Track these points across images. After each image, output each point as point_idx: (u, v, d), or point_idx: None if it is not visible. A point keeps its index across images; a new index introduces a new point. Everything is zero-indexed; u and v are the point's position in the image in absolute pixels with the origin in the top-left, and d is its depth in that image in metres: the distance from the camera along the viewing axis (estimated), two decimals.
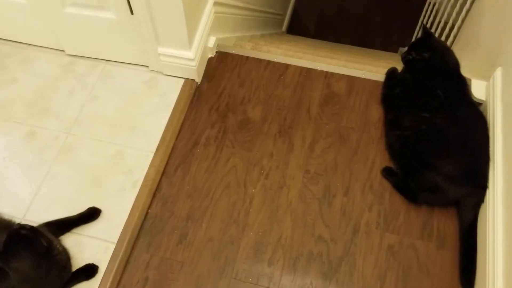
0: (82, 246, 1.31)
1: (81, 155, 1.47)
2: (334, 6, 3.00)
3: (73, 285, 1.25)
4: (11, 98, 1.58)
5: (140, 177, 1.42)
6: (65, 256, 1.22)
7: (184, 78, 1.61)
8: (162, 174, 1.44)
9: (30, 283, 1.12)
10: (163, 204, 1.40)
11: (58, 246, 1.18)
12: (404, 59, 1.45)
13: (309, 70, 1.62)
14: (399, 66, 1.55)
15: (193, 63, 1.53)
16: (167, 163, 1.46)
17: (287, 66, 1.64)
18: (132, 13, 1.41)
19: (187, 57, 1.52)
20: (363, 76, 1.59)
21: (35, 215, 1.35)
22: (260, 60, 1.66)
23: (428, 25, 2.29)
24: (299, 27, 3.00)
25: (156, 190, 1.42)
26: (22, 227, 1.10)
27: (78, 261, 1.28)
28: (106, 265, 1.29)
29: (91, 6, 1.46)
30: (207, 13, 1.58)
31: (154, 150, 1.47)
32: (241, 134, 1.51)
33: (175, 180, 1.44)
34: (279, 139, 1.49)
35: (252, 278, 1.27)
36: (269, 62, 1.65)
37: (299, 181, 1.41)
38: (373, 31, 2.91)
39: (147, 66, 1.63)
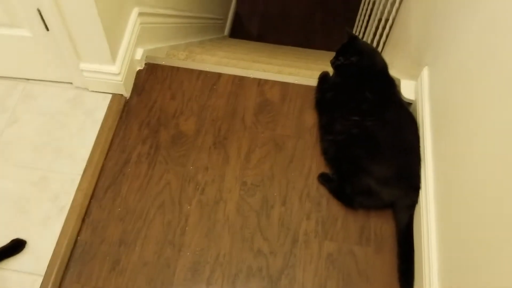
0: (6, 282, 1.24)
1: (2, 183, 1.38)
2: (276, 7, 3.01)
3: None
4: None
5: (67, 203, 1.36)
6: None
7: (111, 93, 1.55)
8: (91, 198, 1.38)
9: None
10: (93, 230, 1.34)
11: None
12: (334, 64, 1.46)
13: (242, 78, 1.60)
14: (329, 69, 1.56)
15: (119, 78, 1.48)
16: (95, 186, 1.40)
17: (219, 75, 1.62)
18: (47, 29, 1.34)
19: (112, 72, 1.46)
20: (296, 82, 1.59)
21: None
22: (192, 70, 1.63)
23: (364, 23, 2.33)
24: (242, 30, 2.99)
25: (85, 215, 1.36)
26: None
27: None
28: None
29: (2, 24, 1.38)
30: (131, 24, 1.54)
31: (81, 173, 1.40)
32: (174, 149, 1.47)
33: (105, 203, 1.38)
34: (214, 151, 1.47)
35: None
36: (201, 72, 1.62)
37: (236, 194, 1.39)
38: (314, 31, 2.94)
39: (71, 83, 1.56)
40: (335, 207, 1.36)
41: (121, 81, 1.49)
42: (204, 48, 2.12)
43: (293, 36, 2.84)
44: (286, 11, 3.01)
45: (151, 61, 1.65)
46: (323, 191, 1.39)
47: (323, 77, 1.54)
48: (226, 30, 2.97)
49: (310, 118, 1.50)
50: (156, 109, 1.55)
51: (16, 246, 1.28)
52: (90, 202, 1.38)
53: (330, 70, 1.55)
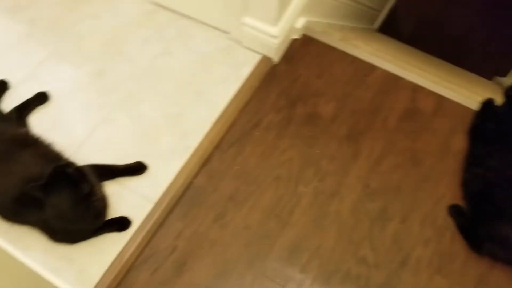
0: (121, 198, 1.32)
1: (142, 107, 1.47)
2: (436, 14, 2.80)
3: (103, 233, 1.27)
4: (89, 33, 1.61)
5: (193, 144, 1.40)
6: (103, 203, 1.23)
7: (262, 54, 1.55)
8: (215, 148, 1.42)
9: (63, 221, 1.15)
10: (208, 178, 1.37)
11: (98, 192, 1.20)
12: (508, 93, 1.31)
13: (396, 78, 1.51)
14: (494, 96, 1.40)
15: (276, 41, 1.47)
16: (222, 137, 1.43)
17: (373, 67, 1.54)
18: None
19: (271, 33, 1.45)
20: (454, 99, 1.46)
21: (85, 154, 1.37)
22: (346, 54, 1.57)
23: None
24: (393, 27, 2.84)
25: (205, 162, 1.40)
26: (69, 165, 1.12)
27: (114, 211, 1.29)
28: (140, 223, 1.29)
29: None
30: None
31: (213, 121, 1.44)
32: (306, 127, 1.44)
33: (226, 156, 1.40)
34: (345, 142, 1.41)
35: (280, 279, 1.23)
36: (354, 58, 1.56)
37: (355, 194, 1.33)
38: (471, 50, 2.69)
39: (228, 33, 1.59)
40: (458, 245, 1.24)
41: (277, 44, 1.48)
42: (357, 34, 2.04)
43: (446, 49, 2.63)
44: (446, 21, 2.79)
45: (308, 33, 1.61)
46: (449, 223, 1.27)
47: (488, 103, 1.39)
48: (377, 23, 2.84)
49: (459, 143, 1.37)
50: (299, 83, 1.52)
51: (139, 168, 1.36)
52: (213, 151, 1.41)
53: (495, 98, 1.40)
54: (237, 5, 1.43)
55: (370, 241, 1.26)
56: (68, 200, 1.09)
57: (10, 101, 1.44)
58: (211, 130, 1.43)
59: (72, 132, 1.42)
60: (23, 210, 1.18)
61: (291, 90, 1.52)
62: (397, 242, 1.26)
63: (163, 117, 1.45)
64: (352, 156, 1.39)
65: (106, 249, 1.25)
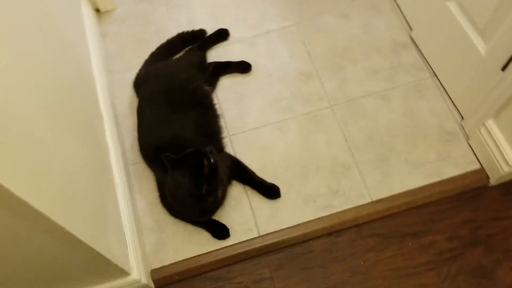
0: (237, 207, 1.26)
1: (319, 137, 1.33)
2: None
3: (201, 228, 1.23)
4: (327, 31, 1.50)
5: (337, 207, 1.24)
6: (215, 205, 1.19)
7: (481, 167, 1.24)
8: (353, 225, 1.22)
9: (173, 197, 1.14)
10: (326, 249, 1.20)
11: (218, 193, 1.14)
12: None
13: None
14: None
15: (508, 169, 1.13)
16: (369, 222, 1.22)
17: None
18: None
19: (509, 156, 1.12)
20: None
21: (238, 143, 1.33)
22: None
23: None
24: None
25: (334, 232, 1.22)
26: (209, 155, 1.08)
27: (223, 213, 1.24)
28: (235, 242, 1.22)
29: None
30: None
31: (373, 198, 1.23)
32: (470, 278, 1.12)
33: (358, 243, 1.20)
34: None
35: None
36: None
37: None
38: None
39: (461, 117, 1.30)
40: None
41: (507, 173, 1.15)
42: None
43: None
44: None
45: None
46: None
47: None
48: None
49: None
50: (501, 226, 1.18)
51: (272, 192, 1.27)
52: (349, 227, 1.22)
53: None
54: (488, 102, 1.13)
55: None
56: (186, 187, 1.07)
57: (216, 54, 1.47)
58: (364, 206, 1.23)
59: (243, 116, 1.38)
60: (155, 161, 1.22)
61: (485, 226, 1.19)
62: None
63: (331, 161, 1.30)
64: None
65: (192, 244, 1.22)
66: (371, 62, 1.43)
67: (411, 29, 1.46)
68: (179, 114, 1.24)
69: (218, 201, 1.18)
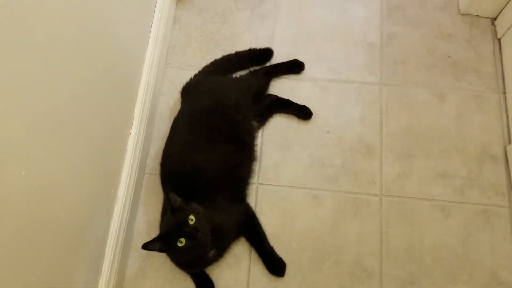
0: (222, 275, 1.14)
1: (324, 201, 1.17)
2: None
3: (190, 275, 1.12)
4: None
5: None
6: (207, 263, 1.08)
7: None
8: None
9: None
10: None
11: (212, 252, 1.03)
12: None
13: None
14: None
15: None
16: None
17: None
18: None
19: None
20: None
21: (262, 189, 1.19)
22: None
23: None
24: None
25: None
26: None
27: (215, 272, 1.12)
28: None
29: None
30: None
31: None
32: None
33: None
34: None
35: None
36: None
37: None
38: None
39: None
40: None
41: None
42: None
43: None
44: None
45: None
46: None
47: None
48: None
49: None
50: None
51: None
52: None
53: None
54: None
55: None
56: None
57: (280, 85, 1.32)
58: None
59: (280, 167, 1.23)
60: (167, 185, 1.12)
61: None
62: None
63: (354, 260, 1.13)
64: None
65: (172, 286, 1.12)
66: (447, 162, 1.22)
67: (509, 142, 1.22)
68: (212, 143, 1.12)
69: (205, 262, 1.06)
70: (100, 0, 0.92)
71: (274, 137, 1.26)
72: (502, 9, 1.32)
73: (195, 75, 1.28)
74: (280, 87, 1.32)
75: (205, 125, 1.14)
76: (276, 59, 1.35)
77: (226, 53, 1.34)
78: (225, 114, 1.15)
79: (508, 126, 1.25)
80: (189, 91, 1.25)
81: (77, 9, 0.82)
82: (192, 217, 0.94)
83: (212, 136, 1.12)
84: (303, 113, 1.28)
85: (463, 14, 1.39)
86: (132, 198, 1.14)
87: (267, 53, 1.34)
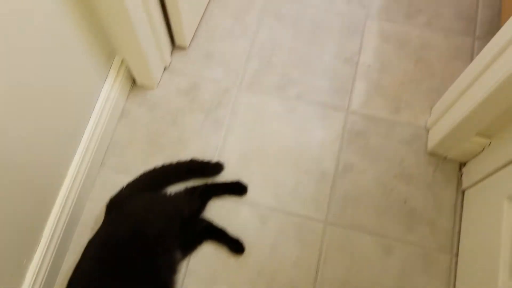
0: None
1: None
2: None
3: None
4: None
5: None
6: None
7: None
8: None
9: None
10: None
11: None
12: None
13: None
14: None
15: None
16: None
17: None
18: None
19: None
20: None
21: None
22: None
23: None
24: None
25: None
26: None
27: None
28: None
29: None
30: None
31: None
32: None
33: None
34: None
35: None
36: None
37: None
38: None
39: None
40: None
41: None
42: None
43: None
44: None
45: None
46: None
47: None
48: None
49: None
50: None
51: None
52: None
53: None
54: None
55: None
56: None
57: (216, 208, 1.22)
58: None
59: None
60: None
61: None
62: None
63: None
64: None
65: None
66: None
67: None
68: (123, 280, 1.02)
69: None
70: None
71: (199, 268, 1.16)
72: (472, 159, 1.21)
73: (126, 186, 1.18)
74: (217, 208, 1.22)
75: (119, 257, 1.04)
76: (221, 174, 1.26)
77: (168, 160, 1.25)
78: (145, 245, 1.05)
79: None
80: (114, 206, 1.15)
81: None
82: None
83: (124, 271, 1.02)
84: (235, 247, 1.17)
85: (430, 153, 1.28)
86: None
87: (216, 168, 1.26)
